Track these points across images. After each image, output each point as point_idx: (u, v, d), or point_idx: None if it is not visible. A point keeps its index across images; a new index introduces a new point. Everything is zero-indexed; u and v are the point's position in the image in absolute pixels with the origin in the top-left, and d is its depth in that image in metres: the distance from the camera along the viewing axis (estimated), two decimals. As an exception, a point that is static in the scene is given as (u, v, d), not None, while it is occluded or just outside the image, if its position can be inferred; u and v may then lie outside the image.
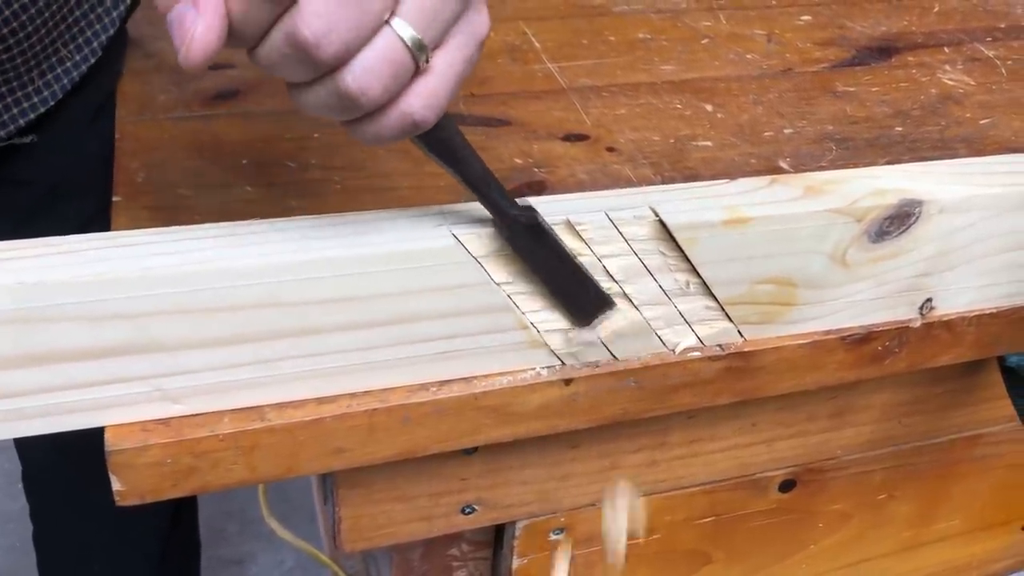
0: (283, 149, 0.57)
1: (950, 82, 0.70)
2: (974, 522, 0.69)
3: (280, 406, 0.41)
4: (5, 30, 0.56)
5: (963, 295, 0.50)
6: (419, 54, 0.34)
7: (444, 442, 0.44)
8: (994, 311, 0.52)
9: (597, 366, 0.45)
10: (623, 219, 0.42)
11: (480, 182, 0.39)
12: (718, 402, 0.48)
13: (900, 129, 0.63)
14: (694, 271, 0.44)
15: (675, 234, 0.43)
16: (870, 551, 0.66)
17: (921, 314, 0.50)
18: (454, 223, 0.41)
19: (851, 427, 0.58)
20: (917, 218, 0.46)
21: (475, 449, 0.48)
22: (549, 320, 0.44)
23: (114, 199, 0.52)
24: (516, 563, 0.55)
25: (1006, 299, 0.52)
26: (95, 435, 0.40)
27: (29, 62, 0.59)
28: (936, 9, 0.82)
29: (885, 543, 0.67)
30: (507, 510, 0.52)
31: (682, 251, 0.43)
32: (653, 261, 0.44)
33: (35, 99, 0.62)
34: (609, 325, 0.44)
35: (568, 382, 0.44)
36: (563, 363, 0.44)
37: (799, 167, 0.58)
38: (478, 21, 0.35)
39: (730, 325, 0.46)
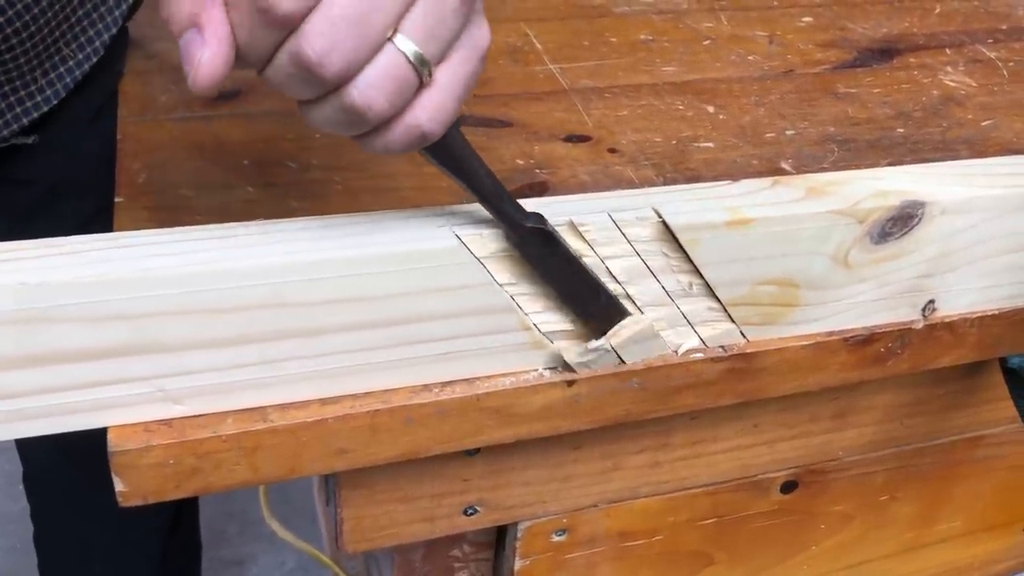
0: (284, 149, 0.57)
1: (952, 83, 0.70)
2: (976, 523, 0.68)
3: (283, 407, 0.41)
4: (8, 29, 0.56)
5: (965, 296, 0.50)
6: (422, 68, 0.34)
7: (446, 443, 0.44)
8: (996, 312, 0.52)
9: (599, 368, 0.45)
10: (626, 220, 0.43)
11: (489, 193, 0.40)
12: (720, 403, 0.48)
13: (902, 130, 0.63)
14: (697, 272, 0.44)
15: (678, 235, 0.43)
16: (872, 552, 0.66)
17: (923, 315, 0.50)
18: (457, 224, 0.41)
19: (853, 428, 0.58)
20: (919, 219, 0.46)
21: (477, 450, 0.48)
22: (551, 321, 0.44)
23: (116, 199, 0.52)
24: (518, 564, 0.55)
25: (1008, 300, 0.52)
26: (97, 436, 0.40)
27: (32, 61, 0.59)
28: (937, 11, 0.82)
29: (887, 544, 0.67)
30: (509, 511, 0.52)
31: (685, 252, 0.43)
32: (656, 262, 0.44)
33: (38, 98, 0.62)
34: (622, 333, 0.44)
35: (570, 383, 0.44)
36: (573, 372, 0.44)
37: (801, 168, 0.58)
38: (479, 35, 0.36)
39: (732, 326, 0.46)
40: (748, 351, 0.47)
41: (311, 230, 0.41)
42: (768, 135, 0.62)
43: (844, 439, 0.58)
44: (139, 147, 0.57)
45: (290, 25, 0.32)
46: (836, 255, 0.46)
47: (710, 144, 0.60)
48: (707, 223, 0.43)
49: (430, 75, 0.35)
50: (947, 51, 0.75)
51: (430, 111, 0.35)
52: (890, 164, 0.59)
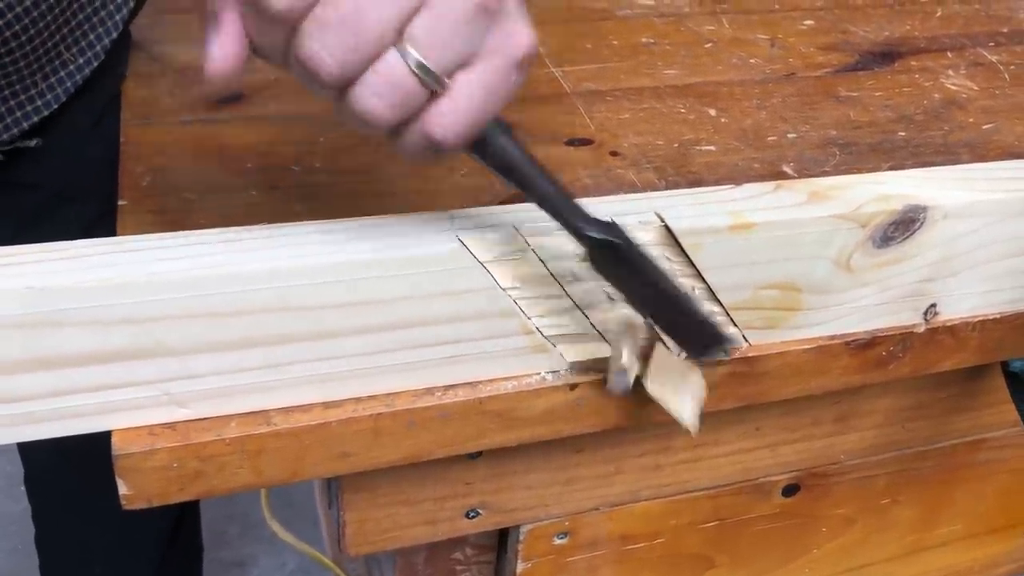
0: (288, 153, 0.57)
1: (953, 87, 0.70)
2: (977, 527, 0.69)
3: (286, 410, 0.41)
4: (8, 33, 0.56)
5: (967, 300, 0.51)
6: (427, 77, 0.34)
7: (449, 446, 0.44)
8: (998, 316, 0.52)
9: (602, 371, 0.45)
10: (629, 224, 0.43)
11: (548, 201, 0.37)
12: (723, 407, 0.48)
13: (903, 134, 0.63)
14: (699, 276, 0.44)
15: (680, 239, 0.43)
16: (873, 555, 0.67)
17: (925, 319, 0.50)
18: (460, 228, 0.41)
19: (855, 432, 0.58)
20: (921, 224, 0.46)
21: (480, 453, 0.49)
22: (554, 325, 0.44)
23: (119, 203, 0.52)
24: (520, 567, 0.55)
25: (1009, 304, 0.52)
26: (98, 438, 0.40)
27: (32, 65, 0.59)
28: (938, 14, 0.82)
29: (888, 547, 0.67)
30: (511, 514, 0.52)
31: (687, 256, 0.43)
32: (658, 266, 0.44)
33: (39, 102, 0.62)
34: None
35: (573, 387, 0.45)
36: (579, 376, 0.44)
37: (803, 172, 0.58)
38: (511, 42, 0.35)
39: (735, 330, 0.46)
40: (750, 355, 0.47)
41: (315, 234, 0.41)
42: (770, 138, 0.62)
43: (846, 442, 0.58)
44: (142, 150, 0.57)
45: (287, 23, 0.33)
46: (838, 259, 0.46)
47: (712, 147, 0.60)
48: (710, 227, 0.43)
49: (439, 84, 0.34)
50: (948, 54, 0.75)
51: (439, 119, 0.35)
52: (891, 168, 0.59)
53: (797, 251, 0.45)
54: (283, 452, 0.41)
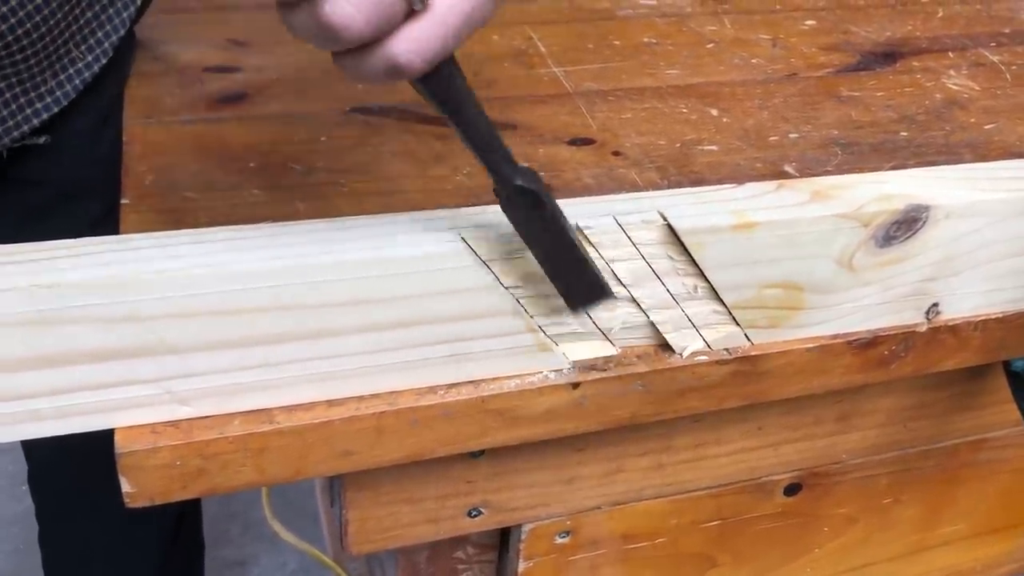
0: (289, 152, 0.57)
1: (955, 87, 0.70)
2: (979, 526, 0.69)
3: (289, 409, 0.41)
4: (19, 31, 0.56)
5: (969, 300, 0.51)
6: None
7: (452, 445, 0.44)
8: (1000, 316, 0.52)
9: (605, 370, 0.45)
10: (631, 223, 0.43)
11: (481, 140, 0.37)
12: (725, 406, 0.48)
13: (905, 134, 0.63)
14: (702, 275, 0.44)
15: (683, 238, 0.43)
16: (875, 555, 0.67)
17: (927, 319, 0.50)
18: (462, 227, 0.41)
19: (857, 431, 0.58)
20: (924, 223, 0.46)
21: (482, 452, 0.49)
22: (557, 324, 0.44)
23: (122, 201, 0.52)
24: (522, 566, 0.55)
25: (1011, 304, 0.52)
26: (101, 436, 0.40)
27: (42, 63, 0.59)
28: (940, 14, 0.82)
29: (890, 547, 0.67)
30: (513, 513, 0.52)
31: (690, 255, 0.43)
32: (661, 265, 0.44)
33: (48, 99, 0.62)
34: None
35: (575, 386, 0.45)
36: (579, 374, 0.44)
37: (805, 172, 0.58)
38: None
39: (737, 329, 0.46)
40: (752, 354, 0.47)
41: (318, 233, 0.41)
42: (772, 138, 0.62)
43: (848, 442, 0.58)
44: (145, 149, 0.57)
45: None
46: (841, 259, 0.46)
47: (714, 147, 0.60)
48: (713, 227, 0.43)
49: (423, 2, 0.32)
50: (950, 54, 0.75)
51: (411, 43, 0.33)
52: (893, 168, 0.59)
53: (799, 250, 0.45)
54: (286, 450, 0.41)
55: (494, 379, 0.44)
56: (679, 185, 0.56)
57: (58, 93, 0.62)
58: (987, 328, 0.52)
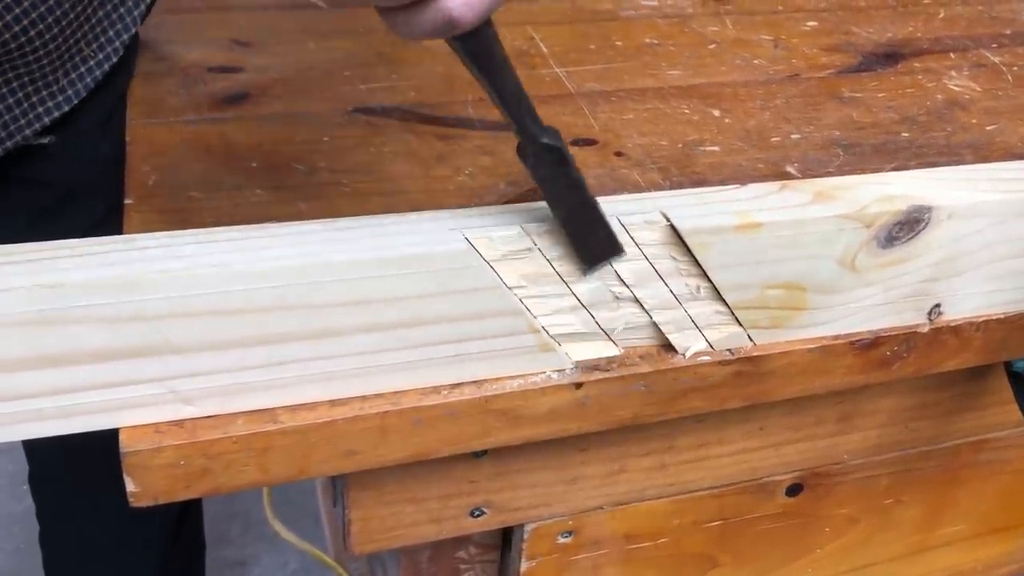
0: (292, 152, 0.57)
1: (956, 88, 0.70)
2: (980, 527, 0.69)
3: (293, 408, 0.41)
4: (32, 32, 0.56)
5: (970, 300, 0.51)
6: None
7: (455, 445, 0.44)
8: (1001, 317, 0.52)
9: (608, 370, 0.45)
10: (634, 224, 0.43)
11: (512, 98, 0.39)
12: (727, 406, 0.48)
13: (907, 135, 0.63)
14: (704, 276, 0.44)
15: (686, 239, 0.43)
16: (876, 555, 0.67)
17: (929, 319, 0.50)
18: (466, 227, 0.41)
19: (858, 431, 0.58)
20: (926, 224, 0.46)
21: (485, 452, 0.49)
22: (560, 324, 0.44)
23: (126, 201, 0.52)
24: (524, 566, 0.55)
25: (1013, 305, 0.52)
26: (103, 436, 0.40)
27: (54, 62, 0.59)
28: (941, 15, 0.82)
29: (891, 547, 0.67)
30: (515, 513, 0.52)
31: (693, 256, 0.43)
32: (664, 266, 0.44)
33: (59, 98, 0.62)
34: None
35: (578, 386, 0.45)
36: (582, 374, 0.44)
37: (806, 172, 0.58)
38: None
39: (740, 330, 0.46)
40: (755, 354, 0.47)
41: (321, 233, 0.41)
42: (773, 139, 0.62)
43: (849, 442, 0.58)
44: (148, 149, 0.57)
45: None
46: (843, 259, 0.46)
47: (716, 148, 0.60)
48: (716, 227, 0.43)
49: None
50: (951, 56, 0.75)
51: None
52: (895, 169, 0.59)
53: (802, 251, 0.45)
54: (290, 450, 0.41)
55: (497, 379, 0.44)
56: (681, 186, 0.56)
57: (69, 92, 0.62)
58: (989, 329, 0.52)
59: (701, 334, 0.46)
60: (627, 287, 0.44)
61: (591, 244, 0.42)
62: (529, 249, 0.42)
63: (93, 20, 0.61)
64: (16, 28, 0.55)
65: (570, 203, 0.41)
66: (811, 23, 0.80)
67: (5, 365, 0.36)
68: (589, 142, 0.60)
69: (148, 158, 0.56)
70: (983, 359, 0.53)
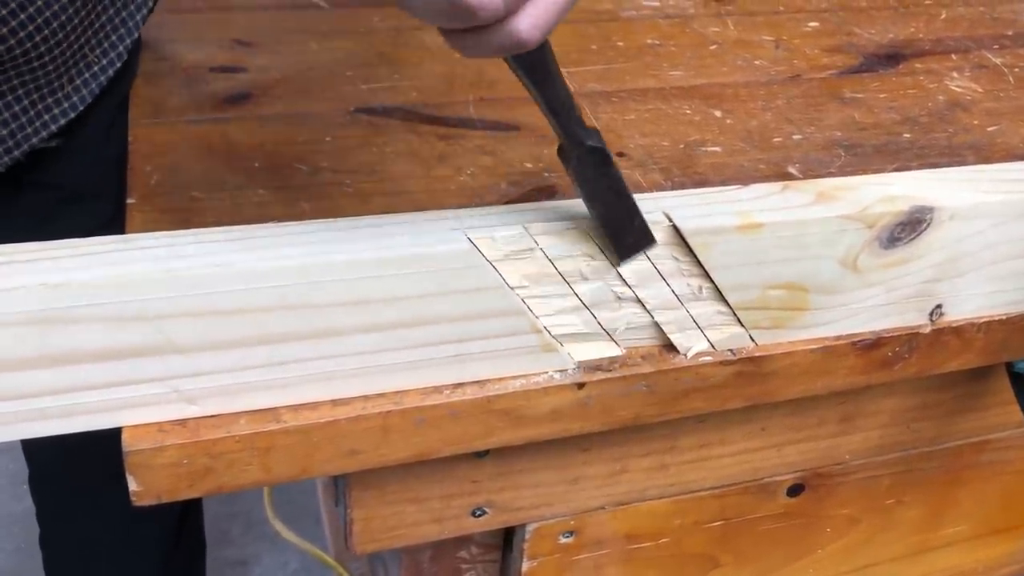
0: (294, 152, 0.57)
1: (958, 89, 0.70)
2: (981, 527, 0.69)
3: (295, 408, 0.42)
4: (38, 37, 0.56)
5: (972, 301, 0.51)
6: None
7: (457, 444, 0.44)
8: (1003, 317, 0.52)
9: (610, 370, 0.45)
10: (637, 223, 0.43)
11: (562, 106, 0.40)
12: (729, 407, 0.48)
13: (908, 136, 0.63)
14: (707, 276, 0.44)
15: (688, 239, 0.43)
16: (878, 556, 0.67)
17: (931, 320, 0.50)
18: (469, 227, 0.41)
19: (860, 432, 0.58)
20: (928, 224, 0.46)
21: (487, 452, 0.49)
22: (562, 324, 0.44)
23: (128, 201, 0.52)
24: (525, 566, 0.55)
25: (1014, 306, 0.52)
26: (103, 436, 0.40)
27: (59, 68, 0.60)
28: (943, 16, 0.82)
29: (893, 548, 0.67)
30: (517, 513, 0.53)
31: (695, 256, 0.44)
32: (666, 266, 0.44)
33: (64, 105, 0.62)
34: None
35: (580, 386, 0.45)
36: (585, 374, 0.44)
37: (808, 173, 0.58)
38: None
39: (742, 330, 0.46)
40: (757, 355, 0.47)
41: (323, 233, 0.41)
42: (775, 140, 0.62)
43: (851, 443, 0.58)
44: (151, 149, 0.57)
45: None
46: (845, 260, 0.46)
47: (717, 148, 0.60)
48: (718, 227, 0.43)
49: None
50: (953, 57, 0.75)
51: (534, 19, 0.35)
52: (897, 169, 0.59)
53: (804, 251, 0.45)
54: (292, 449, 0.41)
55: (499, 379, 0.44)
56: (683, 186, 0.56)
57: (75, 98, 0.62)
58: (990, 330, 0.52)
59: (703, 334, 0.46)
60: (629, 287, 0.44)
61: (626, 237, 0.43)
62: (531, 249, 0.42)
63: (96, 25, 0.61)
64: (22, 34, 0.55)
65: (608, 200, 0.42)
66: (812, 24, 0.80)
67: (8, 364, 0.36)
68: (591, 142, 0.60)
69: (150, 158, 0.56)
70: (985, 360, 0.53)
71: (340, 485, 0.50)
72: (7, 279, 0.36)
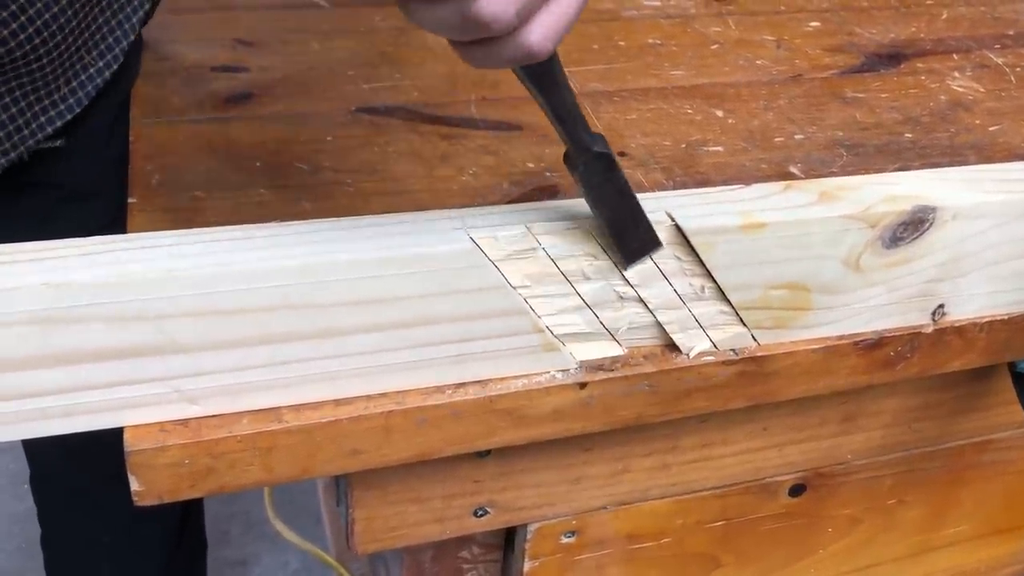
0: (296, 152, 0.57)
1: (959, 89, 0.70)
2: (983, 527, 0.69)
3: (297, 408, 0.41)
4: (37, 40, 0.56)
5: (975, 301, 0.51)
6: None
7: (459, 444, 0.44)
8: (1005, 317, 0.52)
9: (612, 370, 0.45)
10: (638, 223, 0.43)
11: (568, 113, 0.40)
12: (731, 406, 0.48)
13: (910, 135, 0.63)
14: (709, 276, 0.44)
15: (691, 239, 0.43)
16: (879, 556, 0.67)
17: (933, 320, 0.50)
18: (471, 227, 0.41)
19: (862, 432, 0.58)
20: (931, 224, 0.46)
21: (489, 452, 0.49)
22: (564, 324, 0.44)
23: (130, 200, 0.52)
24: (527, 566, 0.55)
25: (1017, 306, 0.52)
26: (105, 437, 0.40)
27: (56, 70, 0.60)
28: (944, 16, 0.82)
29: (894, 548, 0.67)
30: (519, 513, 0.52)
31: (698, 256, 0.43)
32: (668, 266, 0.44)
33: (61, 106, 0.62)
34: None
35: (582, 386, 0.45)
36: (588, 373, 0.44)
37: (810, 173, 0.58)
38: None
39: (744, 330, 0.46)
40: (759, 354, 0.47)
41: (325, 232, 0.41)
42: (777, 139, 0.62)
43: (853, 443, 0.58)
44: (152, 149, 0.57)
45: None
46: (848, 259, 0.46)
47: (719, 148, 0.60)
48: (720, 227, 0.43)
49: None
50: (954, 56, 0.75)
51: (545, 29, 0.35)
52: (898, 169, 0.59)
53: (807, 251, 0.45)
54: (294, 449, 0.41)
55: (501, 379, 0.44)
56: (684, 186, 0.56)
57: (71, 100, 0.62)
58: (993, 329, 0.52)
59: (705, 334, 0.46)
60: (631, 287, 0.44)
61: (632, 240, 0.43)
62: (533, 249, 0.42)
63: (93, 27, 0.61)
64: (22, 36, 0.55)
65: (614, 204, 0.42)
66: (814, 23, 0.79)
67: (10, 364, 0.36)
68: (592, 142, 0.60)
69: (152, 157, 0.56)
70: (987, 360, 0.53)
71: (342, 485, 0.50)
72: (9, 279, 0.36)
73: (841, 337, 0.49)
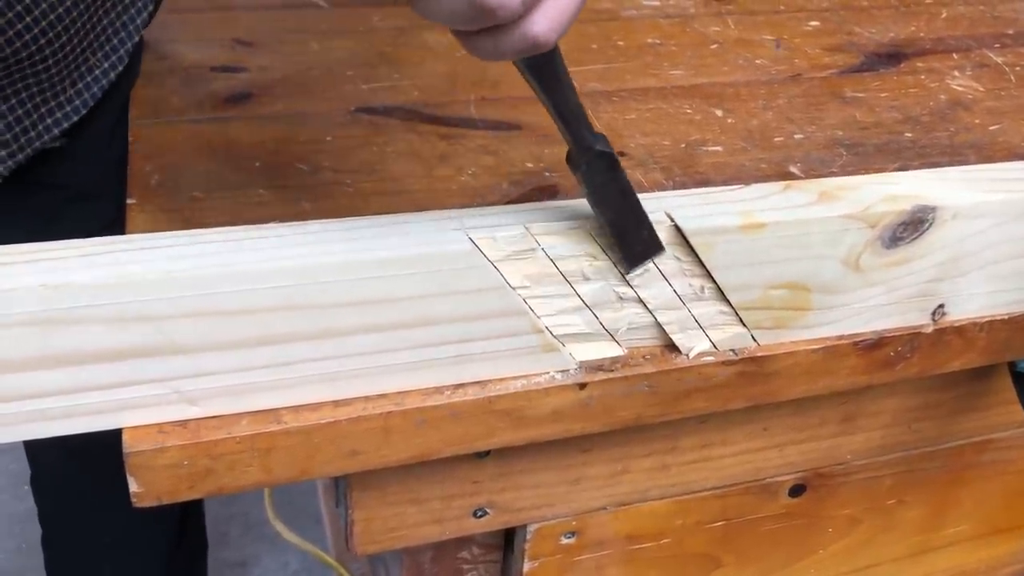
0: (295, 152, 0.57)
1: (959, 88, 0.70)
2: (983, 527, 0.69)
3: (296, 409, 0.41)
4: (43, 41, 0.56)
5: (974, 301, 0.51)
6: None
7: (458, 445, 0.44)
8: (1005, 317, 0.52)
9: (611, 371, 0.45)
10: (638, 223, 0.43)
11: (571, 112, 0.40)
12: (731, 407, 0.48)
13: (909, 135, 0.63)
14: (708, 276, 0.44)
15: (690, 239, 0.43)
16: (879, 556, 0.67)
17: (933, 320, 0.50)
18: (470, 227, 0.41)
19: (862, 432, 0.58)
20: (931, 224, 0.46)
21: (488, 452, 0.49)
22: (564, 324, 0.44)
23: (129, 201, 0.52)
24: (527, 566, 0.55)
25: (1017, 305, 0.52)
26: (106, 438, 0.40)
27: (62, 72, 0.60)
28: (944, 15, 0.82)
29: (894, 548, 0.67)
30: (518, 513, 0.52)
31: (697, 256, 0.43)
32: (668, 266, 0.44)
33: (68, 108, 0.62)
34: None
35: (582, 386, 0.45)
36: (587, 374, 0.44)
37: (810, 172, 0.58)
38: None
39: (744, 330, 0.46)
40: (759, 355, 0.47)
41: (324, 233, 0.41)
42: (776, 139, 0.62)
43: (853, 443, 0.58)
44: (151, 149, 0.57)
45: None
46: (847, 259, 0.46)
47: (718, 148, 0.60)
48: (720, 227, 0.43)
49: None
50: (954, 56, 0.75)
51: (550, 20, 0.35)
52: (898, 168, 0.59)
53: (806, 251, 0.45)
54: (293, 450, 0.41)
55: (501, 380, 0.44)
56: (684, 186, 0.56)
57: (77, 102, 0.62)
58: (993, 329, 0.52)
59: (705, 334, 0.46)
60: (631, 287, 0.44)
61: (634, 244, 0.43)
62: (533, 249, 0.42)
63: (98, 29, 0.61)
64: (27, 37, 0.55)
65: (616, 205, 0.42)
66: (813, 23, 0.79)
67: (10, 365, 0.36)
68: (592, 142, 0.60)
69: (151, 158, 0.56)
70: (987, 359, 0.53)
71: (341, 486, 0.50)
72: (8, 280, 0.36)
73: (841, 337, 0.49)
